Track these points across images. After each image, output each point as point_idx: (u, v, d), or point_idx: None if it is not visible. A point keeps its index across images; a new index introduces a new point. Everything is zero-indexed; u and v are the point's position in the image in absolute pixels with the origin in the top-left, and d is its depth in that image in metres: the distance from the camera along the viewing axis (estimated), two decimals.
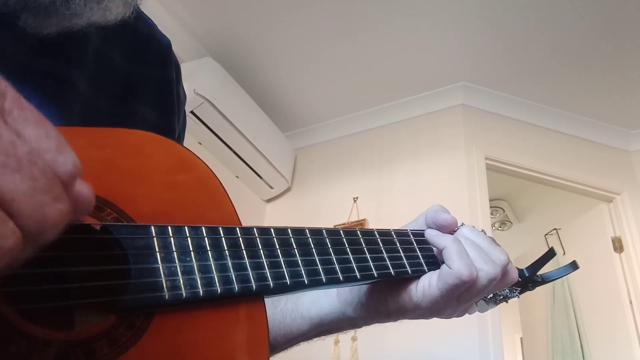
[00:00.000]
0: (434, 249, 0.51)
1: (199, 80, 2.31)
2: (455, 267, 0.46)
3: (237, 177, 2.74)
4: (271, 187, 2.88)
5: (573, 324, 2.90)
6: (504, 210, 3.82)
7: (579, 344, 2.82)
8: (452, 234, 0.54)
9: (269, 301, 0.56)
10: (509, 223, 3.99)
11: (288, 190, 3.00)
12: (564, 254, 3.06)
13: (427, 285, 0.48)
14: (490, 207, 2.90)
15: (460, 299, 0.48)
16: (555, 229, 3.31)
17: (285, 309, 0.58)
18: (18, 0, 0.39)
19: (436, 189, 2.46)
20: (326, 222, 2.63)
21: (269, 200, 3.03)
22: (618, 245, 2.59)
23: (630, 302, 2.44)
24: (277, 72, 2.69)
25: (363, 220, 2.57)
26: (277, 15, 2.36)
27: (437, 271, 0.48)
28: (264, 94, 2.79)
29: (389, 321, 0.53)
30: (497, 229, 4.04)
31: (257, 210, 2.94)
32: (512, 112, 2.74)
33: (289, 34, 2.46)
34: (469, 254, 0.48)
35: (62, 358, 0.29)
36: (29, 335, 0.28)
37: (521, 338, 4.36)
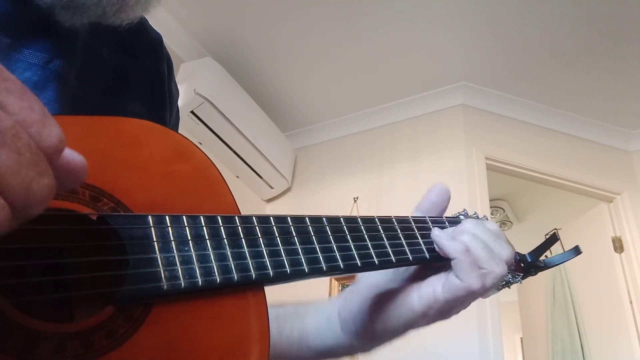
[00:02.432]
0: (436, 247, 0.48)
1: (199, 80, 2.31)
2: (466, 281, 0.43)
3: (237, 177, 2.74)
4: (271, 187, 2.88)
5: (573, 324, 2.90)
6: (504, 210, 3.82)
7: (579, 344, 2.82)
8: (454, 220, 0.53)
9: (274, 326, 0.54)
10: (509, 223, 3.99)
11: (288, 190, 3.00)
12: None
13: (432, 295, 0.45)
14: (490, 207, 2.90)
15: (466, 303, 0.46)
16: (555, 228, 3.30)
17: (292, 338, 0.56)
18: (63, 2, 0.40)
19: None
20: None
21: (269, 200, 3.03)
22: (618, 245, 2.59)
23: (631, 302, 2.44)
24: (277, 72, 2.69)
25: None
26: (277, 15, 2.36)
27: (440, 279, 0.45)
28: (264, 94, 2.79)
29: (400, 338, 0.51)
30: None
31: (257, 210, 2.94)
32: (512, 112, 2.74)
33: (289, 34, 2.46)
34: (478, 256, 0.45)
35: (60, 350, 0.28)
36: (26, 328, 0.28)
37: (521, 338, 4.36)
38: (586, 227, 2.89)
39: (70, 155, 0.25)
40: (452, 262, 0.45)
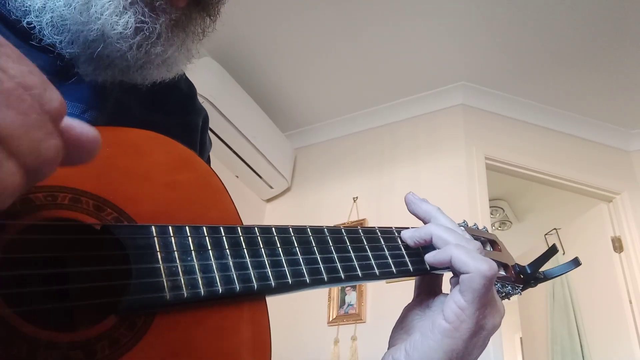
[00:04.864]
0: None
1: (199, 80, 2.30)
2: (473, 269, 0.42)
3: (237, 176, 2.74)
4: (271, 187, 2.88)
5: (573, 323, 2.90)
6: (503, 210, 3.82)
7: (579, 344, 2.82)
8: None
9: None
10: (509, 223, 3.99)
11: (288, 190, 3.00)
12: (563, 253, 3.06)
13: (455, 307, 0.43)
14: (490, 207, 2.91)
15: (491, 305, 0.44)
16: (555, 228, 3.31)
17: None
18: (87, 54, 0.40)
19: (436, 189, 2.46)
20: (326, 221, 2.63)
21: (268, 200, 3.03)
22: (618, 245, 2.59)
23: (630, 302, 2.45)
24: (277, 71, 2.69)
25: (363, 220, 2.57)
26: (277, 16, 2.36)
27: (454, 291, 0.44)
28: (264, 93, 2.79)
29: None
30: (497, 229, 4.04)
31: (257, 210, 2.94)
32: (512, 112, 2.74)
33: (289, 33, 2.46)
34: (448, 239, 0.45)
35: (63, 359, 0.28)
36: (30, 338, 0.28)
37: (521, 338, 4.36)
38: (586, 227, 2.90)
39: (80, 127, 0.25)
40: (453, 264, 0.44)
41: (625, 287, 2.50)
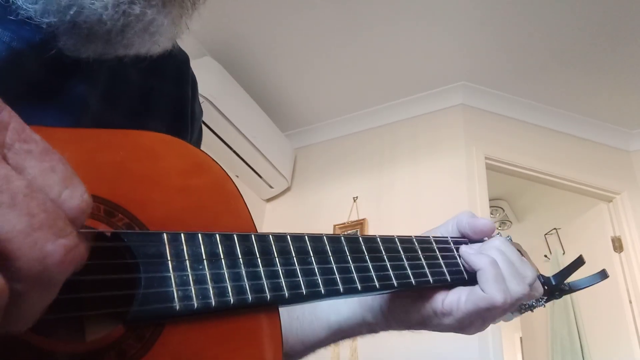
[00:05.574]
0: (464, 263, 0.49)
1: (199, 80, 2.29)
2: (489, 292, 0.44)
3: (237, 176, 2.73)
4: (271, 187, 2.88)
5: (573, 323, 2.90)
6: (503, 210, 3.82)
7: (579, 344, 2.82)
8: (481, 241, 0.52)
9: (284, 310, 0.55)
10: (509, 223, 4.00)
11: (288, 189, 2.99)
12: (563, 253, 3.07)
13: (456, 303, 0.46)
14: (490, 206, 2.90)
15: (486, 318, 0.47)
16: (555, 228, 3.31)
17: (303, 318, 0.56)
18: (65, 23, 0.39)
19: (436, 189, 2.46)
20: (326, 221, 2.63)
21: (268, 200, 3.02)
22: (618, 245, 2.59)
23: (630, 302, 2.45)
24: (277, 71, 2.68)
25: (363, 220, 2.56)
26: (277, 15, 2.35)
27: (466, 289, 0.46)
28: (264, 93, 2.78)
29: (408, 330, 0.52)
30: (497, 229, 4.04)
31: (257, 210, 2.94)
32: (512, 112, 2.74)
33: (289, 33, 2.45)
34: (503, 271, 0.46)
35: None
36: (35, 348, 0.27)
37: (521, 338, 4.37)
38: (586, 227, 2.90)
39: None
40: (478, 274, 0.46)
41: (625, 287, 2.50)
